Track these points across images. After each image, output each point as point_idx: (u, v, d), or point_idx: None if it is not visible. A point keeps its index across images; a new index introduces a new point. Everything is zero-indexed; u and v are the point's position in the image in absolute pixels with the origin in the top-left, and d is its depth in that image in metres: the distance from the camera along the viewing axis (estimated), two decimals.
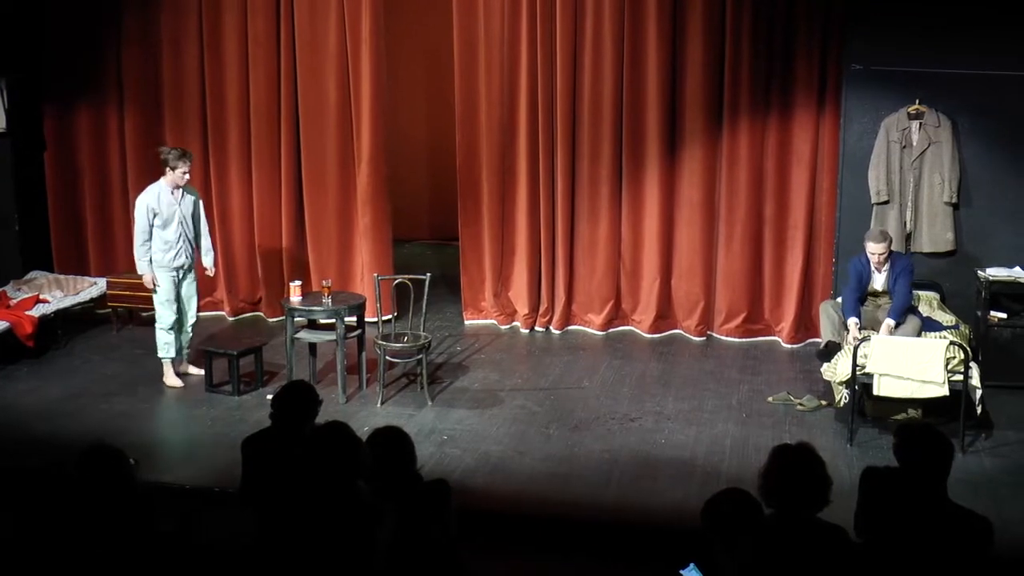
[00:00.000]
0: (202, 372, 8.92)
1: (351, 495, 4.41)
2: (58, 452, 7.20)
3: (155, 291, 8.85)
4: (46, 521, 4.72)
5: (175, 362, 9.06)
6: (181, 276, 8.93)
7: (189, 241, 8.89)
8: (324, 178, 10.56)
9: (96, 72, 10.83)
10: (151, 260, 8.74)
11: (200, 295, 9.36)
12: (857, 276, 8.50)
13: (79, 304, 10.23)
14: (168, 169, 8.70)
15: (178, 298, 8.95)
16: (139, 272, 8.86)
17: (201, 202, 9.06)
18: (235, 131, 10.63)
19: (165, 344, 8.94)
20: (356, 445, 4.61)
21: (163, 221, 8.71)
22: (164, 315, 8.88)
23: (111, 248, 11.15)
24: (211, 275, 9.44)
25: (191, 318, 9.09)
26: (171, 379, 9.01)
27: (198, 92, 10.66)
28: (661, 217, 10.14)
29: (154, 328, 8.98)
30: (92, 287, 10.42)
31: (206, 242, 9.12)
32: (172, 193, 8.75)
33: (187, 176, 8.74)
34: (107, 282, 10.42)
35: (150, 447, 7.77)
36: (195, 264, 9.03)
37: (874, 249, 8.47)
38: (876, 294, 8.55)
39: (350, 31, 10.21)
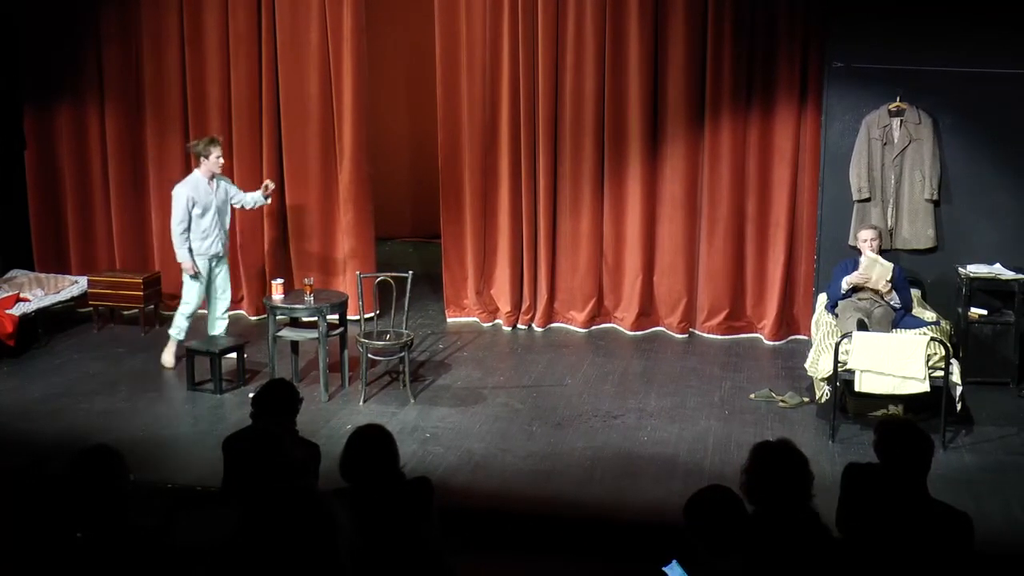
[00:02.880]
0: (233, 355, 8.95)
1: (304, 495, 4.37)
2: (39, 451, 7.19)
3: (194, 278, 8.99)
4: (27, 520, 4.70)
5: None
6: (215, 264, 9.10)
7: (224, 229, 9.09)
8: (306, 176, 10.53)
9: (76, 70, 10.75)
10: (190, 248, 8.88)
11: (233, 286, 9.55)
12: (842, 275, 8.53)
13: (60, 303, 10.16)
14: (202, 159, 8.94)
15: (209, 287, 9.12)
16: (179, 260, 9.02)
17: (230, 181, 9.33)
18: (217, 129, 10.54)
19: (180, 328, 9.18)
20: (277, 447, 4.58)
21: (201, 210, 8.91)
22: (194, 301, 9.11)
23: (92, 247, 11.09)
24: (273, 186, 9.49)
25: (224, 304, 9.28)
26: (169, 357, 9.20)
27: (179, 90, 10.62)
28: (643, 215, 10.15)
29: (136, 327, 9.03)
30: (73, 286, 10.36)
31: (252, 195, 9.32)
32: (209, 183, 8.93)
33: (221, 160, 8.99)
34: (88, 281, 10.37)
35: (132, 445, 7.70)
36: (227, 253, 9.26)
37: (865, 236, 8.60)
38: (860, 288, 8.51)
39: (332, 29, 10.18)
